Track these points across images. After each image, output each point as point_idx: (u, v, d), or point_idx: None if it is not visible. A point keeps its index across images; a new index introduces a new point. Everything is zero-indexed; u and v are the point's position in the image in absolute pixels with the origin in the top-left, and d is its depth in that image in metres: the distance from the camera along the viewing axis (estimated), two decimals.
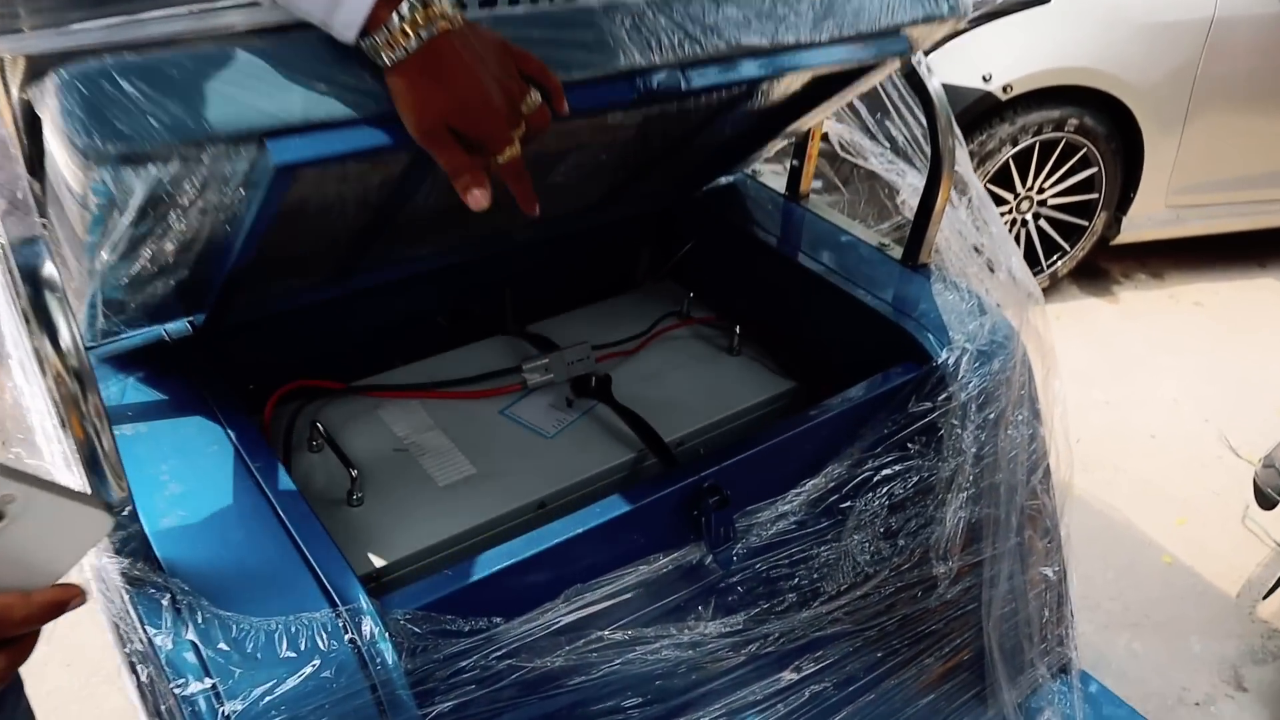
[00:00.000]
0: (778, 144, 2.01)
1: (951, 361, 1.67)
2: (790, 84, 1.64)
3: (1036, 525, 1.80)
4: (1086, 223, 4.04)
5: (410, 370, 1.83)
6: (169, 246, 1.15)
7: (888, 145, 1.99)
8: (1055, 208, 3.99)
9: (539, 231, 1.90)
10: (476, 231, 1.74)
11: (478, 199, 1.07)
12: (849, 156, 2.04)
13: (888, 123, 2.01)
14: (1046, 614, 1.81)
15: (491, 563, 1.25)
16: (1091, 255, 4.21)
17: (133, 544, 1.13)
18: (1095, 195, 3.98)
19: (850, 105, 2.02)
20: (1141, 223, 4.12)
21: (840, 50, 1.39)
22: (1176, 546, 3.09)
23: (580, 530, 1.30)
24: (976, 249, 1.88)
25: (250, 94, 0.96)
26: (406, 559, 1.46)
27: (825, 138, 2.06)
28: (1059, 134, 3.74)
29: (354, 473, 1.51)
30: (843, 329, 1.88)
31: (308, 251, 1.48)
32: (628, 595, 1.33)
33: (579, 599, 1.29)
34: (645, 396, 1.79)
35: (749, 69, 1.31)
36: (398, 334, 1.88)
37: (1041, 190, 3.92)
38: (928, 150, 1.89)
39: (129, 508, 1.10)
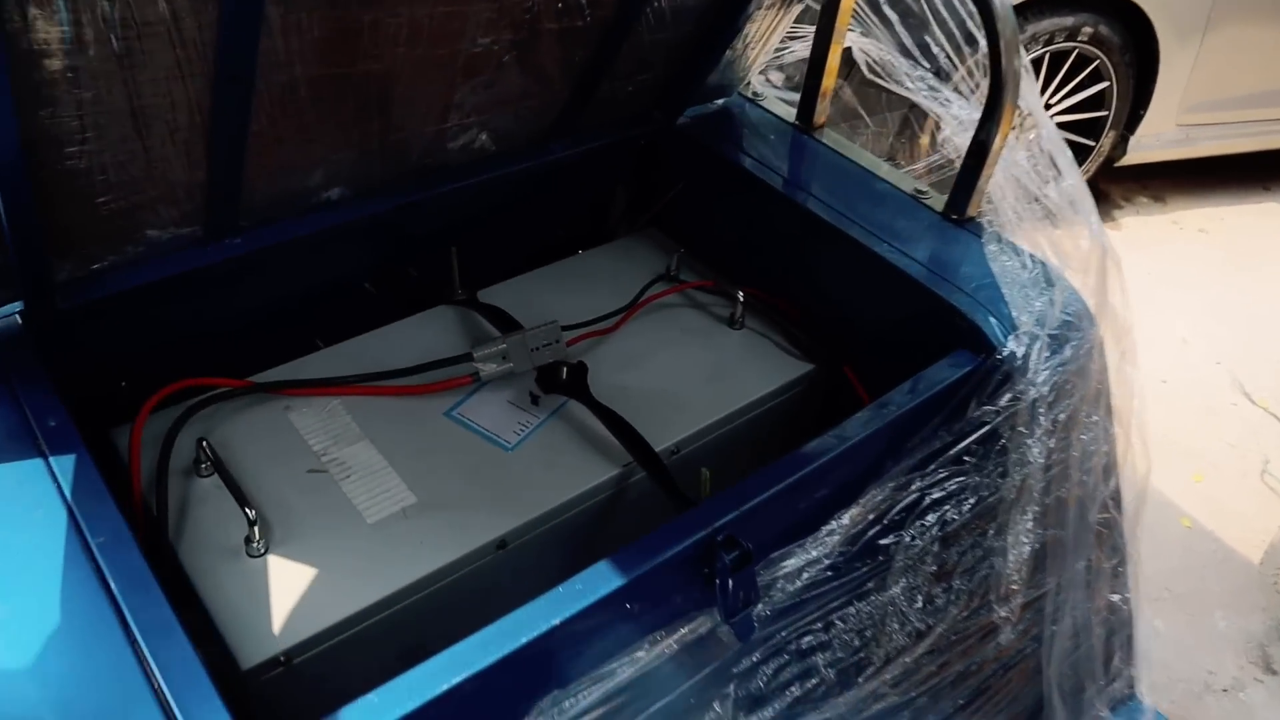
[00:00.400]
0: (768, 26, 1.59)
1: (1020, 352, 1.32)
2: None
3: (1104, 544, 1.48)
4: (1093, 142, 3.68)
5: (330, 356, 1.44)
6: None
7: (928, 66, 1.61)
8: (1060, 126, 3.61)
9: (491, 166, 1.50)
10: (400, 146, 1.31)
11: None
12: (877, 79, 1.65)
13: (928, 38, 1.61)
14: (1113, 646, 1.50)
15: (435, 679, 0.89)
16: (1093, 178, 3.86)
17: None
18: (1104, 112, 3.61)
19: (882, 16, 1.62)
20: (1149, 143, 3.77)
21: None
22: (1195, 507, 2.82)
23: (556, 621, 0.95)
24: (1037, 200, 1.51)
25: None
26: (325, 632, 1.09)
27: (848, 54, 1.66)
28: (1071, 44, 3.35)
29: (251, 514, 1.13)
30: (871, 298, 1.51)
31: (135, 160, 1.04)
32: (621, 699, 0.98)
33: (558, 712, 0.95)
34: (629, 388, 1.43)
35: None
36: (311, 307, 1.48)
37: (1048, 106, 3.54)
38: (980, 76, 1.51)
39: None
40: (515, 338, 1.38)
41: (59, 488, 0.95)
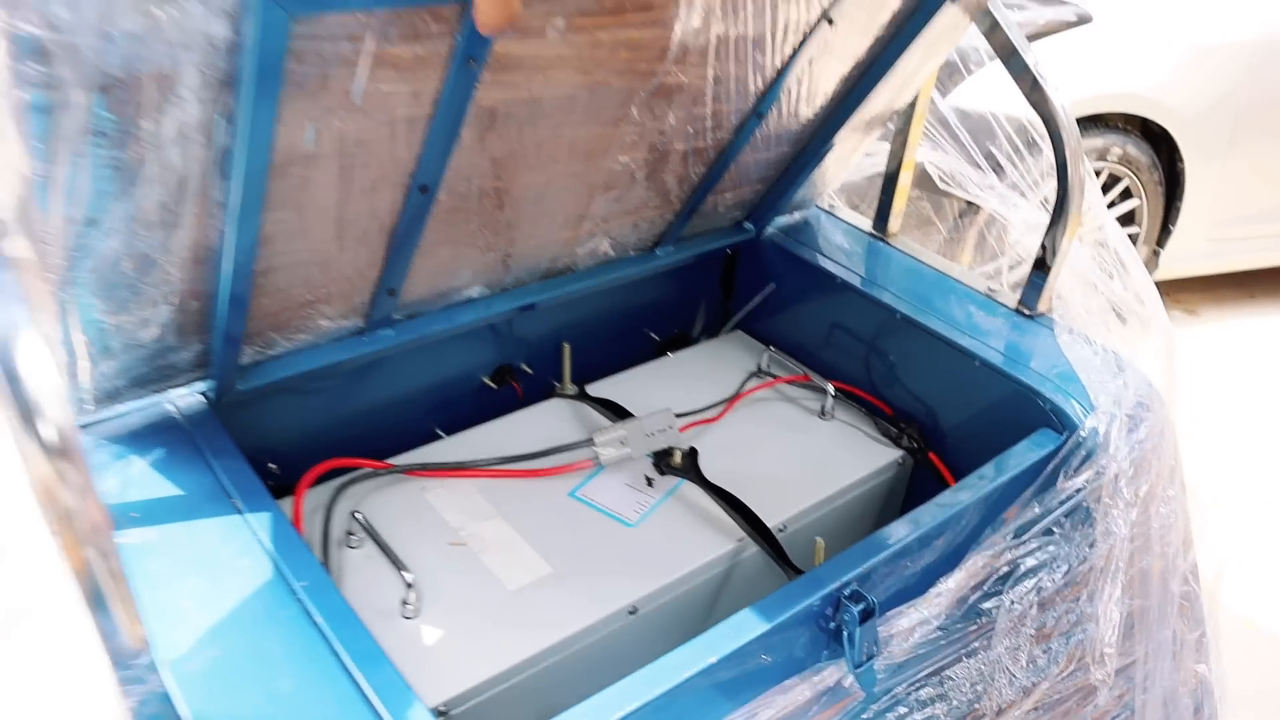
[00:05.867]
0: (851, 148, 1.75)
1: (1101, 430, 1.43)
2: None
3: (1186, 616, 1.55)
4: None
5: (458, 443, 1.56)
6: (146, 205, 0.91)
7: (994, 174, 1.76)
8: None
9: (606, 270, 1.64)
10: (537, 250, 1.47)
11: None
12: (949, 188, 1.81)
13: (993, 148, 1.78)
14: (1202, 718, 1.56)
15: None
16: None
17: (151, 705, 0.86)
18: (1135, 229, 3.77)
19: (949, 130, 1.79)
20: (1180, 256, 3.92)
21: None
22: None
23: (700, 667, 1.04)
24: (1103, 295, 1.64)
25: None
26: (479, 686, 1.18)
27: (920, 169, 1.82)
28: (1101, 164, 3.54)
29: (409, 577, 1.24)
30: (953, 386, 1.63)
31: (329, 258, 1.20)
32: None
33: None
34: (735, 471, 1.54)
35: None
36: (436, 397, 1.61)
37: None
38: (1042, 183, 1.67)
39: (145, 658, 0.84)
40: (633, 424, 1.50)
41: (259, 540, 1.07)
